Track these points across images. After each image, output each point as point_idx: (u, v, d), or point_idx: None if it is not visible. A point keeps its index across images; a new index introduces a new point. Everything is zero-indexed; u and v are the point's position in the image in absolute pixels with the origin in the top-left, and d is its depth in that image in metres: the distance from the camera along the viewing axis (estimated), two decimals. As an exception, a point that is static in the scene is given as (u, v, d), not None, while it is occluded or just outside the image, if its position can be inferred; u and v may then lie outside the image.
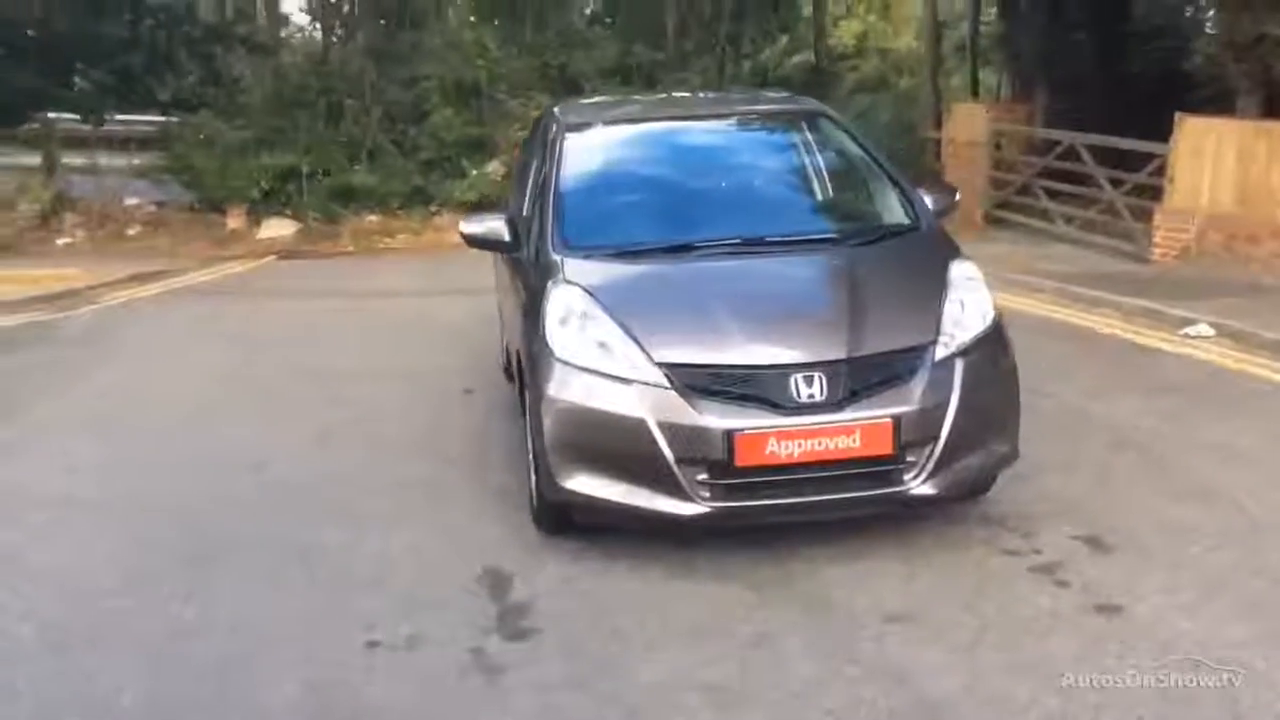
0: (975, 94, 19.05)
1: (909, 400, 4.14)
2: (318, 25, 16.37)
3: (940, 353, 4.26)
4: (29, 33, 14.32)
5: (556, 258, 4.66)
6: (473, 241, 5.07)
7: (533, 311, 4.53)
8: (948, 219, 5.31)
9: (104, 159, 15.17)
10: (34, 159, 14.82)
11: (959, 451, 4.24)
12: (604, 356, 4.19)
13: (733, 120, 5.87)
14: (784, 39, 15.86)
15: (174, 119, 15.33)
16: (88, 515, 4.98)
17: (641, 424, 4.05)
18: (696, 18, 15.93)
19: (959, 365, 4.25)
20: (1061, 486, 5.03)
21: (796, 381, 4.06)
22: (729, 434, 4.00)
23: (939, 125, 17.04)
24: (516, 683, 3.50)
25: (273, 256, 13.40)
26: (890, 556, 4.33)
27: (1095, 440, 5.67)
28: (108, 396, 7.17)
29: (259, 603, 4.11)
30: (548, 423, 4.26)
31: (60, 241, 13.69)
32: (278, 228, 14.52)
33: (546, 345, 4.32)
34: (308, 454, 5.75)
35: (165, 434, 6.24)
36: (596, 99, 6.73)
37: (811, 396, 4.06)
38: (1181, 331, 8.03)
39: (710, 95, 7.61)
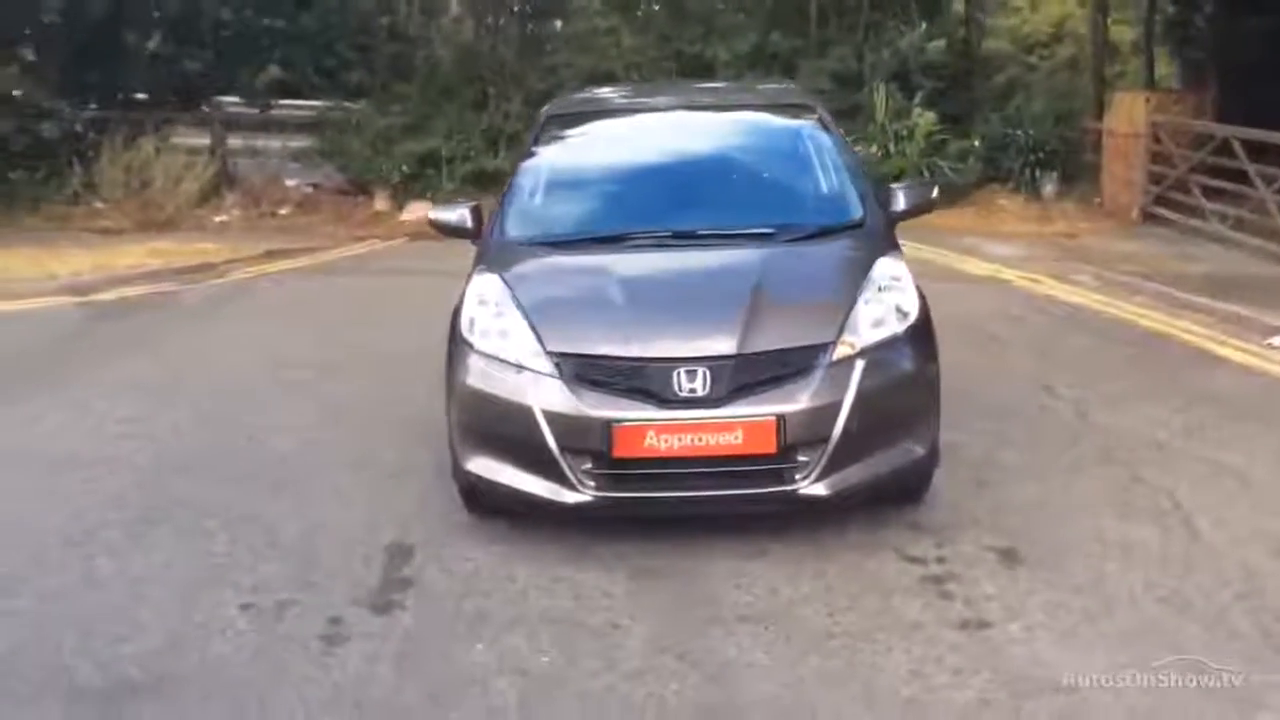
0: (1151, 84, 17.98)
1: (796, 399, 4.09)
2: (469, 16, 16.90)
3: (840, 352, 4.18)
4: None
5: (492, 246, 4.81)
6: (437, 227, 5.25)
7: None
8: (910, 218, 5.19)
9: (265, 142, 16.16)
10: (203, 140, 15.91)
11: (855, 454, 4.17)
12: (504, 344, 4.31)
13: (712, 112, 5.86)
14: (923, 25, 15.34)
15: (329, 105, 16.14)
16: (83, 470, 5.39)
17: (529, 411, 4.15)
18: (837, 4, 15.62)
19: (859, 365, 4.16)
20: (1012, 495, 4.85)
21: (679, 375, 4.07)
22: (608, 424, 4.06)
23: (1101, 116, 16.19)
24: (349, 652, 3.66)
25: (405, 238, 13.98)
26: (788, 556, 4.29)
27: (1083, 450, 5.41)
28: (165, 362, 7.68)
29: (177, 557, 4.41)
30: (453, 405, 4.41)
31: (217, 219, 14.67)
32: (419, 210, 15.07)
33: (459, 330, 4.46)
34: (303, 427, 6.00)
35: (196, 397, 6.65)
36: (601, 90, 6.77)
37: (693, 391, 4.06)
38: (1266, 341, 7.49)
39: (707, 86, 7.53)
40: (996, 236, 13.04)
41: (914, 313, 4.41)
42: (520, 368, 4.22)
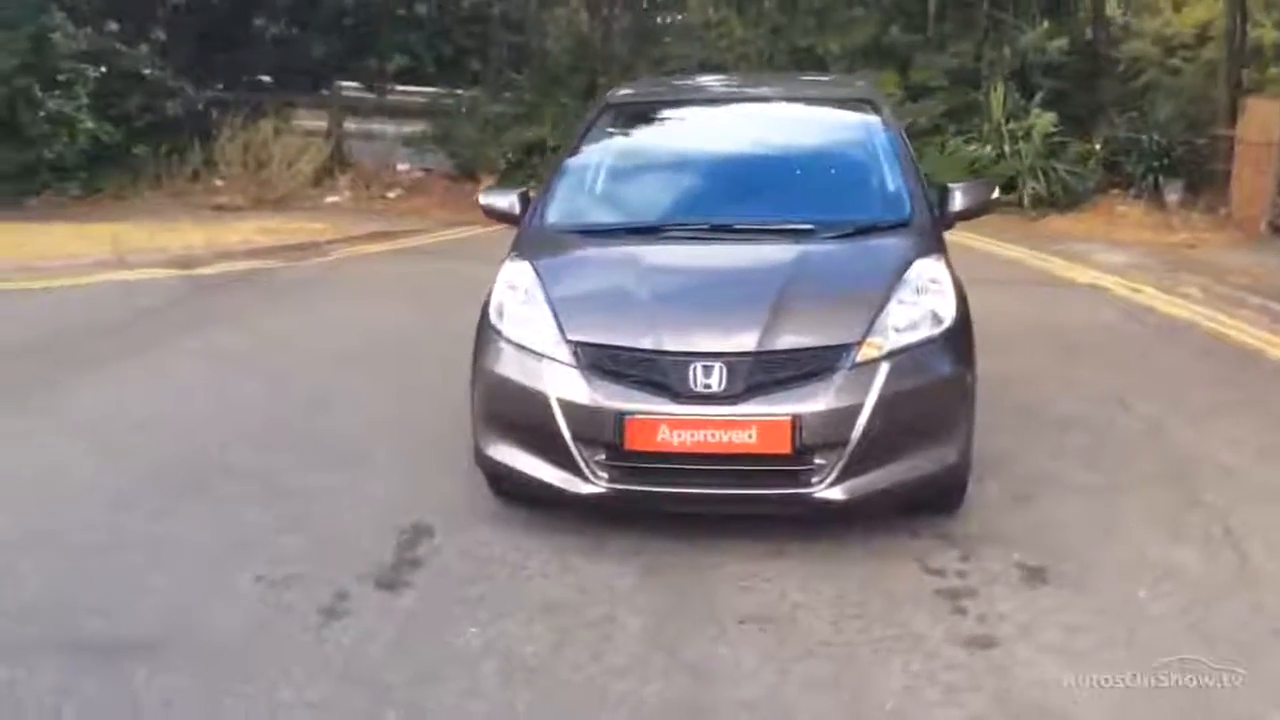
0: (1294, 89, 17.07)
1: (814, 400, 3.99)
2: (584, 7, 16.98)
3: (865, 354, 4.06)
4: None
5: (529, 232, 4.82)
6: (487, 211, 5.28)
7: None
8: (967, 219, 5.08)
9: (380, 126, 16.52)
10: (322, 123, 16.34)
11: (876, 459, 4.05)
12: (527, 331, 4.30)
13: (770, 105, 5.75)
14: (1045, 23, 14.85)
15: (442, 91, 16.41)
16: (145, 434, 5.57)
17: (545, 399, 4.14)
18: (959, -1, 15.24)
19: (884, 368, 4.04)
20: (1054, 512, 4.66)
21: (695, 370, 4.00)
22: (620, 416, 4.02)
23: (1235, 123, 15.46)
24: (346, 627, 3.70)
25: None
26: (805, 559, 4.19)
27: (1143, 468, 5.17)
28: (252, 335, 7.90)
29: (208, 524, 4.52)
30: (476, 390, 4.43)
31: (329, 199, 15.06)
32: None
33: (487, 316, 4.47)
34: (368, 405, 6.08)
35: (273, 370, 6.81)
36: (664, 80, 6.72)
37: (708, 387, 3.99)
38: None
39: (772, 78, 7.37)
40: (1110, 243, 12.56)
41: (950, 317, 4.26)
42: (540, 355, 4.20)
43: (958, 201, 4.96)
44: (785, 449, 3.97)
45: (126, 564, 4.16)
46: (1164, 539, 4.39)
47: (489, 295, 4.57)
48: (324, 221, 13.47)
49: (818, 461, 4.02)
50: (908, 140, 5.39)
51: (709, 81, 6.74)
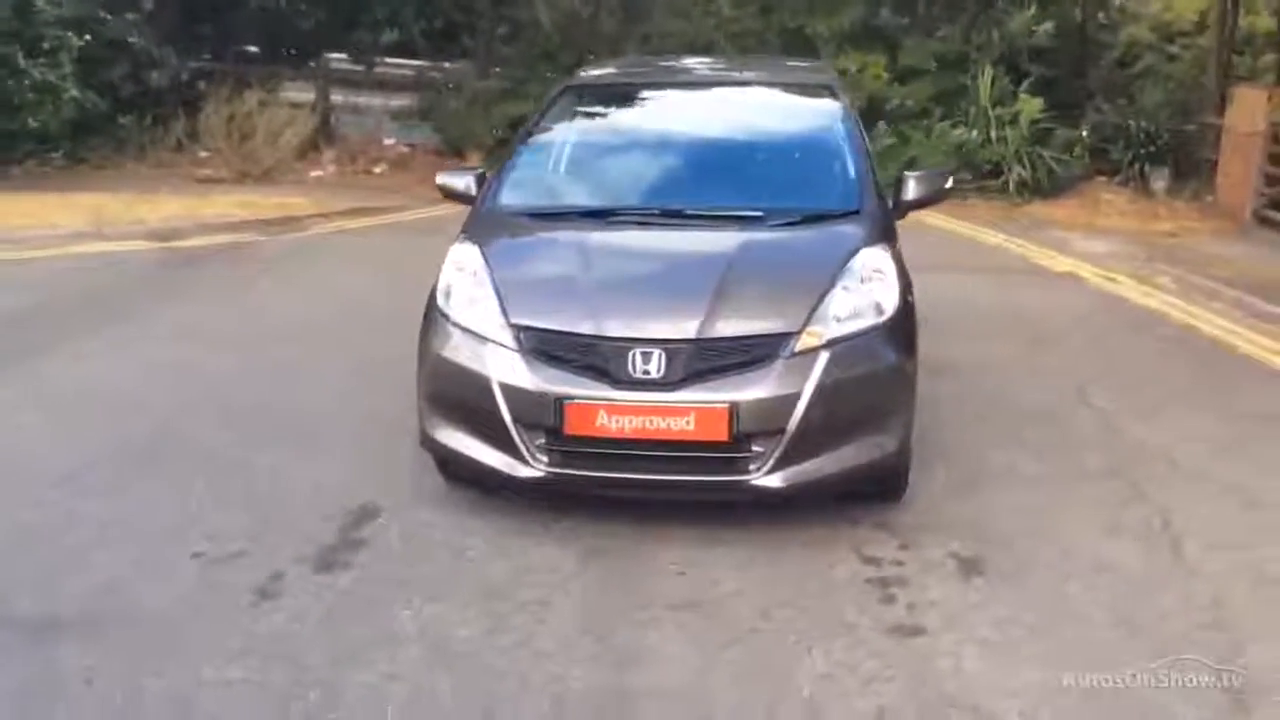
0: (1284, 79, 17.02)
1: (752, 388, 4.00)
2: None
3: (804, 342, 4.08)
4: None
5: (480, 214, 4.82)
6: (445, 193, 5.27)
7: (443, 265, 4.70)
8: (921, 208, 5.12)
9: (367, 100, 16.45)
10: (309, 96, 16.26)
11: (815, 448, 4.07)
12: (473, 314, 4.31)
13: (732, 89, 5.75)
14: (1033, 7, 14.78)
15: (429, 65, 16.34)
16: (105, 410, 5.59)
17: (486, 382, 4.15)
18: (948, -20, 15.15)
19: (823, 357, 4.05)
20: (998, 502, 4.68)
21: (635, 357, 4.01)
22: (559, 401, 4.03)
23: (1224, 111, 15.42)
24: (276, 607, 3.73)
25: (490, 201, 14.10)
26: (744, 547, 4.22)
27: (1093, 460, 5.19)
28: (225, 309, 7.91)
29: (155, 501, 4.54)
30: (421, 372, 4.43)
31: (313, 174, 14.99)
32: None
33: (434, 297, 4.48)
34: (334, 382, 6.08)
35: (243, 345, 6.81)
36: (624, 64, 6.71)
37: (647, 373, 4.01)
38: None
39: (733, 62, 7.36)
40: (1092, 231, 12.56)
41: (892, 307, 4.27)
42: (483, 339, 4.21)
43: (911, 190, 4.97)
44: (723, 436, 3.99)
45: (69, 542, 4.17)
46: (1101, 533, 4.42)
47: (437, 277, 4.57)
48: (306, 196, 13.42)
49: (755, 449, 4.04)
50: (863, 127, 5.38)
51: (673, 65, 6.71)
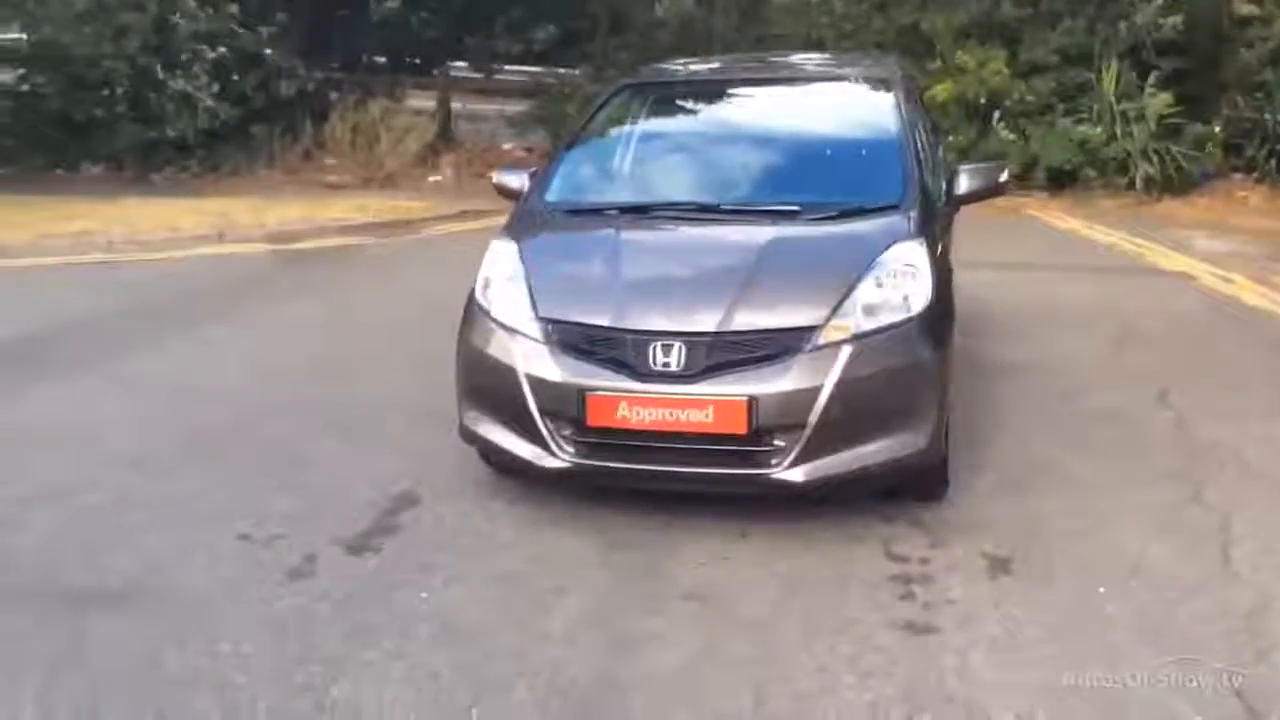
0: None
1: (772, 381, 3.99)
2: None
3: (828, 336, 4.04)
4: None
5: (523, 210, 4.92)
6: (500, 190, 5.39)
7: (487, 260, 4.80)
8: (973, 202, 5.02)
9: (485, 106, 16.83)
10: (431, 103, 16.72)
11: (837, 443, 4.03)
12: (506, 307, 4.40)
13: (786, 85, 5.71)
14: (1159, -1, 14.19)
15: (545, 71, 16.62)
16: (183, 400, 5.88)
17: (514, 373, 4.23)
18: (1071, -28, 14.62)
19: (846, 351, 4.01)
20: (1046, 503, 4.56)
21: (655, 349, 4.04)
22: (582, 392, 4.08)
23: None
24: (304, 587, 3.87)
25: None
26: (770, 540, 4.21)
27: (1157, 462, 5.01)
28: (321, 308, 8.22)
29: (212, 486, 4.76)
30: (458, 362, 4.55)
31: (432, 179, 15.41)
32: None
33: (473, 290, 4.59)
34: (404, 378, 6.25)
35: (330, 343, 7.08)
36: (684, 62, 6.71)
37: (667, 365, 4.03)
38: None
39: (794, 59, 7.24)
40: (1219, 230, 12.04)
41: (923, 302, 4.19)
42: (514, 331, 4.30)
43: (963, 185, 4.89)
44: (742, 429, 3.98)
45: (126, 521, 4.41)
46: (1148, 536, 4.25)
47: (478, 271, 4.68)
48: (422, 200, 13.81)
49: (777, 443, 4.02)
50: (923, 119, 5.30)
51: (730, 63, 6.71)
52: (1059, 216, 13.11)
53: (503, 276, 4.50)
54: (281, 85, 15.23)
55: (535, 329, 4.25)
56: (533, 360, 4.21)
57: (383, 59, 17.45)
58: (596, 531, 4.30)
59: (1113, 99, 14.11)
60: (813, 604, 3.76)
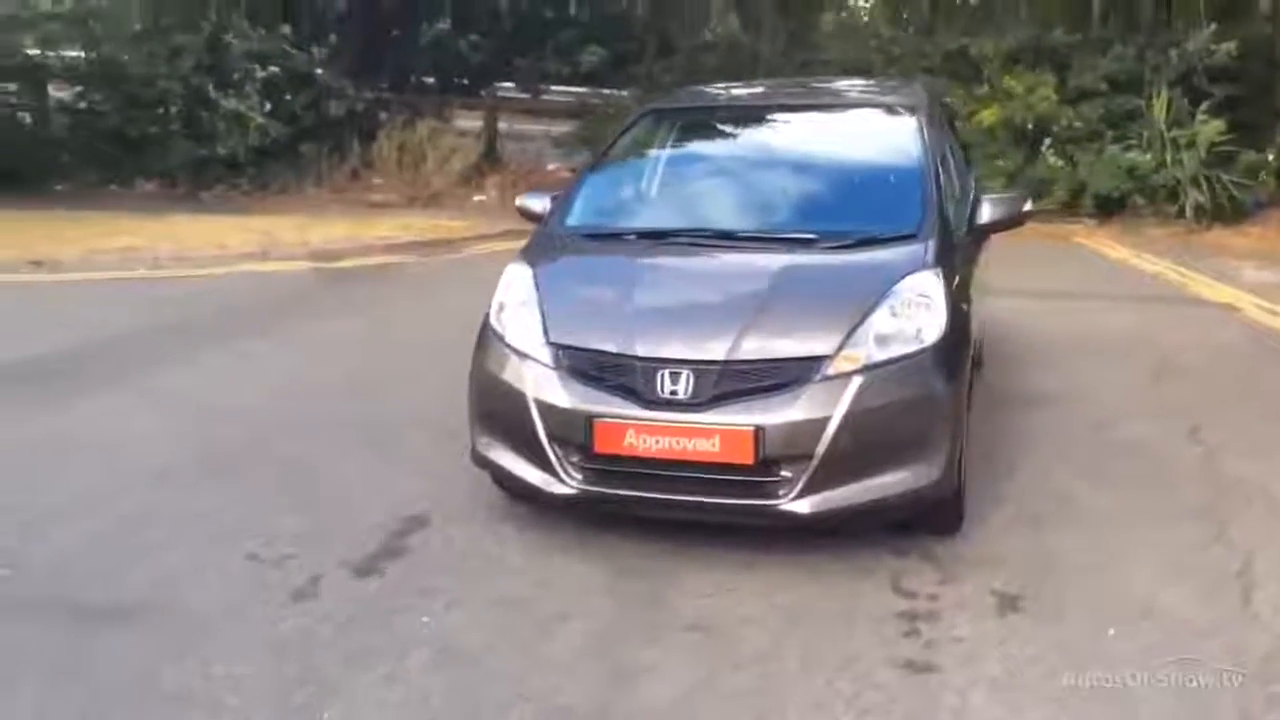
0: None
1: (779, 411, 3.95)
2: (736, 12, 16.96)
3: (838, 367, 4.01)
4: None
5: (541, 234, 4.94)
6: (523, 214, 5.41)
7: (504, 284, 4.81)
8: (997, 231, 4.94)
9: (531, 126, 16.94)
10: (478, 123, 16.88)
11: (845, 475, 3.99)
12: (518, 331, 4.41)
13: (809, 112, 5.68)
14: (1212, 25, 13.99)
15: (590, 91, 16.71)
16: (210, 416, 5.96)
17: (524, 398, 4.24)
18: (1122, -1, 14.50)
19: (856, 382, 3.98)
20: (1063, 540, 4.47)
21: (663, 377, 4.03)
22: (589, 419, 4.08)
23: None
24: (307, 609, 3.88)
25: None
26: (778, 571, 4.17)
27: (1182, 499, 4.89)
28: (356, 326, 8.29)
29: (229, 503, 4.81)
30: (471, 386, 4.56)
31: (476, 198, 15.54)
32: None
33: (488, 315, 4.61)
34: (431, 397, 6.22)
35: (359, 360, 7.14)
36: (708, 88, 6.71)
37: (674, 393, 4.01)
38: None
39: (818, 84, 7.18)
40: (1269, 260, 11.85)
41: (937, 333, 4.14)
42: (525, 356, 4.31)
43: (985, 214, 4.84)
44: (748, 459, 3.95)
45: (145, 536, 4.47)
46: (1166, 575, 4.16)
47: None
48: (466, 219, 13.94)
49: (784, 474, 3.99)
50: (952, 147, 5.25)
51: (754, 89, 6.71)
52: (1107, 244, 12.94)
53: (516, 301, 4.51)
54: (331, 105, 15.45)
55: (546, 354, 4.25)
56: (542, 386, 4.21)
57: (432, 79, 17.63)
58: (604, 558, 4.28)
59: (1163, 126, 13.93)
60: (814, 638, 3.72)
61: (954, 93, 14.41)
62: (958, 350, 4.22)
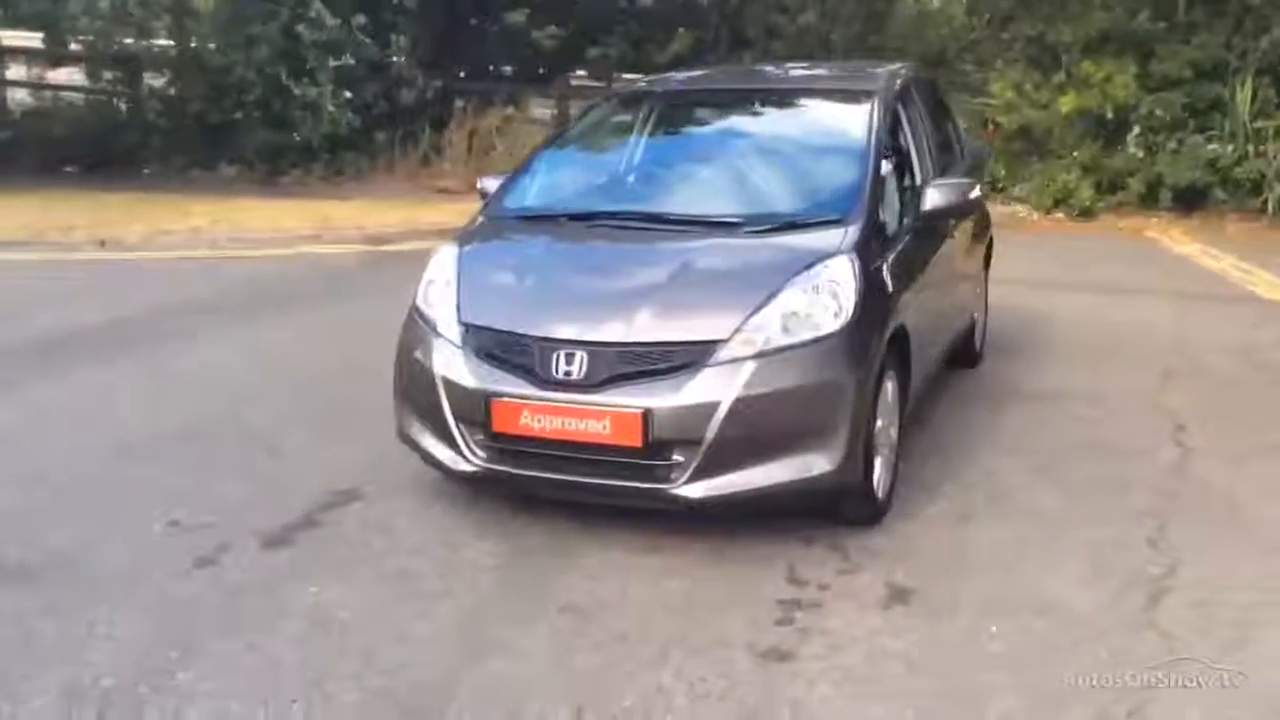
0: None
1: (669, 395, 3.92)
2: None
3: (734, 351, 3.96)
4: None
5: (480, 217, 4.98)
6: (480, 195, 5.44)
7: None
8: (942, 219, 4.84)
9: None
10: (552, 111, 17.00)
11: (738, 460, 3.94)
12: (437, 311, 4.46)
13: (769, 96, 5.59)
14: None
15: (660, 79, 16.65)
16: (192, 390, 6.14)
17: (432, 377, 4.28)
18: (1211, -17, 13.81)
19: (749, 367, 3.92)
20: (987, 536, 4.38)
21: (558, 358, 4.03)
22: (487, 398, 4.11)
23: None
24: (204, 576, 4.00)
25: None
26: (678, 555, 4.15)
27: (1132, 501, 4.71)
28: (376, 307, 8.35)
29: (176, 472, 4.95)
30: (395, 365, 4.62)
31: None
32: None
33: (415, 295, 4.66)
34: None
35: (358, 341, 7.23)
36: (673, 75, 6.65)
37: (568, 374, 4.01)
38: None
39: (786, 70, 6.97)
40: (1348, 258, 11.18)
41: (842, 320, 4.05)
42: (438, 335, 4.35)
43: (929, 201, 4.70)
44: (637, 442, 3.93)
45: (79, 503, 4.65)
46: (1080, 576, 4.01)
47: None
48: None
49: (675, 458, 3.96)
50: (921, 133, 5.13)
51: (722, 75, 6.62)
52: (1178, 240, 12.41)
53: (441, 280, 4.56)
54: (403, 93, 15.70)
55: (456, 334, 4.29)
56: (450, 364, 4.25)
57: (507, 68, 17.79)
58: (508, 538, 4.31)
59: (1247, 116, 13.28)
60: (688, 623, 3.68)
61: (1030, 81, 14.01)
62: (862, 337, 4.11)
